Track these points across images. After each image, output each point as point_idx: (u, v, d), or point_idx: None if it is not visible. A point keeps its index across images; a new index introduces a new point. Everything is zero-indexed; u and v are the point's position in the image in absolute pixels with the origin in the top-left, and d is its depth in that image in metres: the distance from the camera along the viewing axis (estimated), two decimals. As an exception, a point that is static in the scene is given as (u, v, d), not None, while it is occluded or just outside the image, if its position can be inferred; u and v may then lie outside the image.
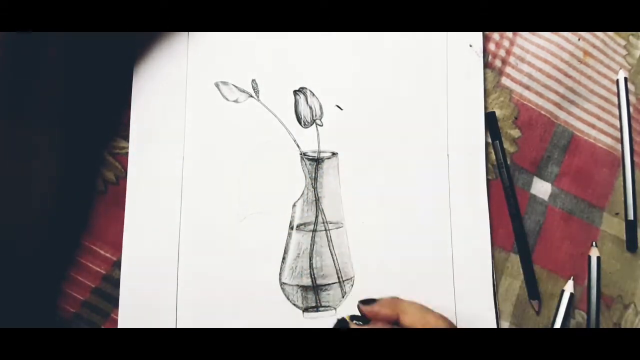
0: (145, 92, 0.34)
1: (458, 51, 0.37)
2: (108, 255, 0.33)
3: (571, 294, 0.37)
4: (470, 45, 0.37)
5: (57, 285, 0.32)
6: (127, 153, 0.33)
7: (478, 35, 0.38)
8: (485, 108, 0.38)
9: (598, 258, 0.38)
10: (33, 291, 0.32)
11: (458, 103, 0.37)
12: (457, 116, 0.37)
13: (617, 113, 0.41)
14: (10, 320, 0.30)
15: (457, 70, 0.37)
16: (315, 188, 0.35)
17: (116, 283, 0.32)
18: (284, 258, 0.34)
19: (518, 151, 0.38)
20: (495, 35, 0.39)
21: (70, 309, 0.32)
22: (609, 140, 0.40)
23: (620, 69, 0.41)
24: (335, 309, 0.34)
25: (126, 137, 0.34)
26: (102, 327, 0.32)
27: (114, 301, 0.32)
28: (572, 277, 0.38)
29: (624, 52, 0.41)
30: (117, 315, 0.32)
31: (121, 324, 0.32)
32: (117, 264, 0.33)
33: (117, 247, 0.33)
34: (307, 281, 0.34)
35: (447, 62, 0.37)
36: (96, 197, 0.33)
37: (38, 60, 0.29)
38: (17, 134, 0.29)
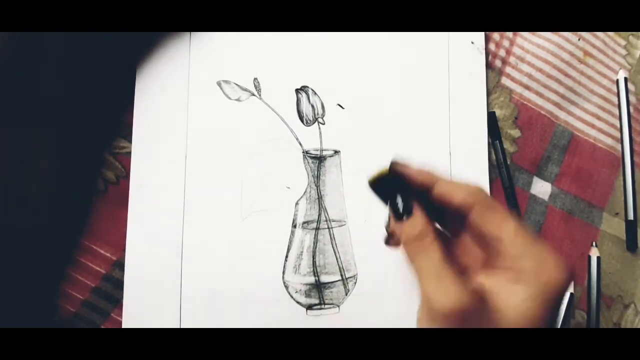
0: (147, 91, 0.34)
1: (460, 50, 0.37)
2: (108, 254, 0.33)
3: (571, 293, 0.37)
4: (472, 42, 0.37)
5: (57, 284, 0.32)
6: (127, 153, 0.33)
7: (480, 35, 0.38)
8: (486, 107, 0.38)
9: (598, 258, 0.38)
10: (33, 290, 0.32)
11: (460, 101, 0.37)
12: (459, 114, 0.37)
13: (617, 113, 0.41)
14: (10, 320, 0.30)
15: (460, 69, 0.37)
16: (317, 186, 0.35)
17: (116, 283, 0.32)
18: (287, 256, 0.34)
19: (518, 151, 0.38)
20: (495, 35, 0.39)
21: (70, 308, 0.32)
22: (609, 140, 0.40)
23: (620, 69, 0.41)
24: (338, 306, 0.34)
25: (127, 137, 0.34)
26: (102, 326, 0.32)
27: (114, 301, 0.32)
28: (572, 277, 0.38)
29: (624, 52, 0.41)
30: (117, 314, 0.32)
31: (125, 324, 0.32)
32: (117, 264, 0.33)
33: (118, 246, 0.33)
34: (310, 279, 0.34)
35: (448, 60, 0.37)
36: (96, 197, 0.33)
37: (39, 60, 0.29)
38: (17, 134, 0.29)
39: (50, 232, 0.32)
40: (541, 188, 0.39)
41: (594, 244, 0.38)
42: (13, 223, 0.30)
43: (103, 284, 0.33)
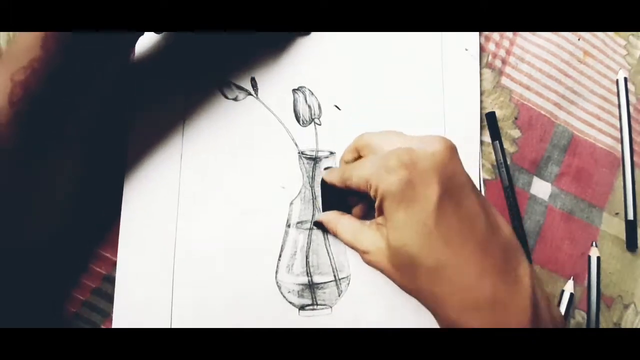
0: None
1: (454, 53, 0.37)
2: (108, 255, 0.33)
3: (571, 293, 0.37)
4: (466, 49, 0.37)
5: (69, 291, 0.32)
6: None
7: (474, 35, 0.38)
8: (485, 108, 0.38)
9: (598, 258, 0.38)
10: (41, 294, 0.32)
11: (454, 104, 0.37)
12: (453, 117, 0.37)
13: (617, 113, 0.41)
14: (12, 321, 0.30)
15: (453, 72, 0.37)
16: (312, 187, 0.35)
17: (116, 283, 0.33)
18: (280, 256, 0.34)
19: (518, 151, 0.38)
20: (495, 35, 0.39)
21: (71, 308, 0.32)
22: (609, 140, 0.40)
23: (620, 69, 0.41)
24: (331, 307, 0.34)
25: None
26: (102, 327, 0.32)
27: (114, 301, 0.32)
28: (572, 277, 0.38)
29: (624, 52, 0.41)
30: (117, 315, 0.32)
31: (116, 324, 0.32)
32: (117, 264, 0.33)
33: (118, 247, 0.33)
34: (303, 279, 0.34)
35: (442, 63, 0.37)
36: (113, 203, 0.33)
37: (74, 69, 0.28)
38: (49, 145, 0.28)
39: (71, 240, 0.32)
40: (541, 188, 0.39)
41: (594, 244, 0.38)
42: (36, 229, 0.30)
43: (104, 285, 0.33)
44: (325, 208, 0.34)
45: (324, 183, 0.34)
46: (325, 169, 0.34)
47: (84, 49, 0.27)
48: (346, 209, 0.34)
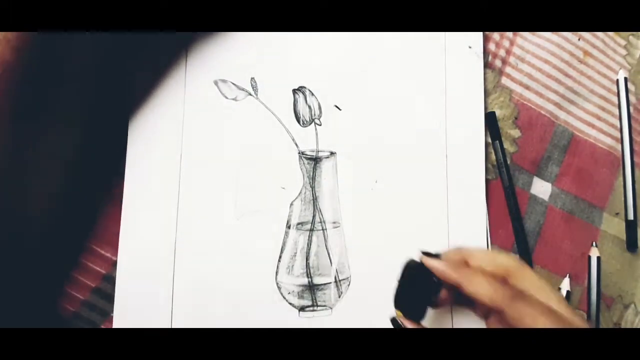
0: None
1: (456, 52, 0.37)
2: (108, 255, 0.33)
3: (567, 291, 0.37)
4: (470, 47, 0.37)
5: (60, 286, 0.32)
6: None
7: (478, 35, 0.38)
8: (485, 108, 0.38)
9: (598, 258, 0.38)
10: (36, 292, 0.32)
11: (457, 104, 0.37)
12: (455, 117, 0.37)
13: (617, 113, 0.41)
14: (12, 320, 0.30)
15: (456, 71, 0.37)
16: (313, 187, 0.35)
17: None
18: (280, 257, 0.34)
19: (518, 151, 0.38)
20: (495, 35, 0.39)
21: (70, 308, 0.32)
22: (609, 140, 0.40)
23: (620, 69, 0.41)
24: (331, 308, 0.34)
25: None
26: (102, 326, 0.32)
27: (113, 301, 0.32)
28: (567, 275, 0.38)
29: (624, 52, 0.41)
30: (117, 315, 0.32)
31: (116, 324, 0.32)
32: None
33: (117, 247, 0.33)
34: (303, 280, 0.34)
35: (445, 62, 0.37)
36: (105, 200, 0.33)
37: (54, 60, 0.29)
38: (29, 135, 0.28)
39: (59, 235, 0.32)
40: (541, 188, 0.39)
41: (594, 244, 0.38)
42: (23, 225, 0.30)
43: (103, 285, 0.33)
44: (404, 291, 0.30)
45: (415, 264, 0.30)
46: (425, 253, 0.30)
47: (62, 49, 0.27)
48: (425, 295, 0.30)
